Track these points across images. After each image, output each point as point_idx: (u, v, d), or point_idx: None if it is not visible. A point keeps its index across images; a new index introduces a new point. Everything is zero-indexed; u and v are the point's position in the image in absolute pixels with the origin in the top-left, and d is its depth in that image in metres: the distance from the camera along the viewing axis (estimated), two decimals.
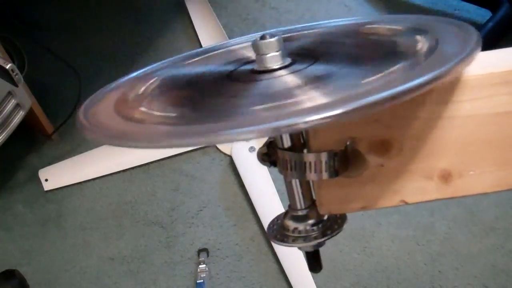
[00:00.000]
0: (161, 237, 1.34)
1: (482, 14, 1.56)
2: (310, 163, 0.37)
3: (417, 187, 0.39)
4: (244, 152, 1.41)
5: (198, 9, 1.69)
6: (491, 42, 1.43)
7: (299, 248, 0.42)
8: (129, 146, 0.30)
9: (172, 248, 1.33)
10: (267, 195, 1.34)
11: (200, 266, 1.27)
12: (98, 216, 1.39)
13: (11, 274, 1.22)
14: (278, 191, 1.33)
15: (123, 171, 1.44)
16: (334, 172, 0.37)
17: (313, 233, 0.41)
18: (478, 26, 1.45)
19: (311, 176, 0.37)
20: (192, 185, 1.41)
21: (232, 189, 1.40)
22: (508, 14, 1.47)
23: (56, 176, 1.44)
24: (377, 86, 0.31)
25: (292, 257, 1.25)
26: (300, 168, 0.37)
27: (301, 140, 0.39)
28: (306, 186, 0.41)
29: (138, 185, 1.43)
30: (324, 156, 0.36)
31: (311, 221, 0.41)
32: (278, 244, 0.41)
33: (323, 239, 0.41)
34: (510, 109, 0.37)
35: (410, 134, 0.37)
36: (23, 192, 1.44)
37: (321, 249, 0.45)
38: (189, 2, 1.71)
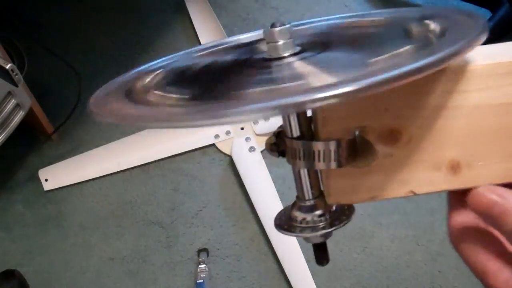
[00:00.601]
0: (161, 237, 1.34)
1: (482, 14, 1.56)
2: (319, 151, 0.37)
3: (425, 178, 0.39)
4: (244, 152, 1.41)
5: (198, 9, 1.69)
6: (491, 42, 1.43)
7: (307, 239, 0.42)
8: (139, 126, 0.30)
9: (172, 248, 1.32)
10: (267, 195, 1.34)
11: (200, 266, 1.27)
12: (98, 216, 1.39)
13: (11, 274, 1.22)
14: (278, 191, 1.33)
15: (123, 171, 1.44)
16: (343, 161, 0.37)
17: (321, 224, 0.41)
18: None
19: (320, 165, 0.37)
20: (192, 185, 1.41)
21: (232, 189, 1.40)
22: (508, 14, 1.48)
23: (56, 176, 1.44)
24: (386, 66, 0.31)
25: (292, 257, 1.25)
26: (309, 157, 0.37)
27: (310, 129, 0.39)
28: (314, 176, 0.41)
29: (138, 185, 1.43)
30: (332, 145, 0.36)
31: (319, 212, 0.41)
32: (286, 234, 0.41)
33: (331, 229, 0.40)
34: None
35: (419, 123, 0.37)
36: (23, 192, 1.44)
37: None
38: (189, 2, 1.71)
